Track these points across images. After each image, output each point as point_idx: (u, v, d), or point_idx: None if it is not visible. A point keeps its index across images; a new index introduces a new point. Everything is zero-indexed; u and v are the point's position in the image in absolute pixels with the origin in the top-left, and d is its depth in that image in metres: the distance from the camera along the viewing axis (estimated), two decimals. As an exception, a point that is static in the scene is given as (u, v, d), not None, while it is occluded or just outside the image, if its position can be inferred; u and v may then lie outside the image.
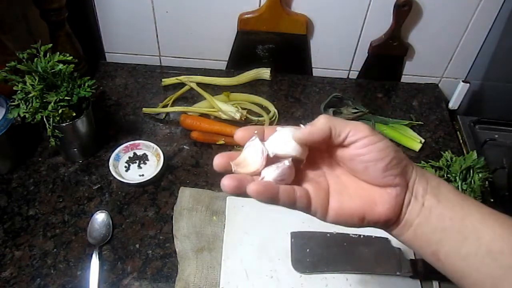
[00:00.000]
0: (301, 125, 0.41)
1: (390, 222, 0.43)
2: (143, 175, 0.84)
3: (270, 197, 0.39)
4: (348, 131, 0.41)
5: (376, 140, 0.40)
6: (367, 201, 0.42)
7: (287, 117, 0.99)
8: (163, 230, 0.77)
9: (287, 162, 0.40)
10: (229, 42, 1.06)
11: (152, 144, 0.87)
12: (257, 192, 0.38)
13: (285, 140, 0.41)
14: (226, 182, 0.39)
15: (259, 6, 0.99)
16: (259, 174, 0.41)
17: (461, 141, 0.99)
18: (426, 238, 0.42)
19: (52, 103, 0.73)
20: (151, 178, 0.82)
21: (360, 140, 0.40)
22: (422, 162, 0.89)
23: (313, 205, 0.41)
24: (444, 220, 0.41)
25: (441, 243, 0.41)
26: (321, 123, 0.41)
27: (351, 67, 1.11)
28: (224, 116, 0.95)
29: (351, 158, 0.42)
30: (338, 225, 0.43)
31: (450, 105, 1.07)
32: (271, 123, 0.96)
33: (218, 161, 0.42)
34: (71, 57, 0.75)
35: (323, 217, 0.42)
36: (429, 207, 0.42)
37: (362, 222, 0.43)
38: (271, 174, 0.40)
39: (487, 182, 0.84)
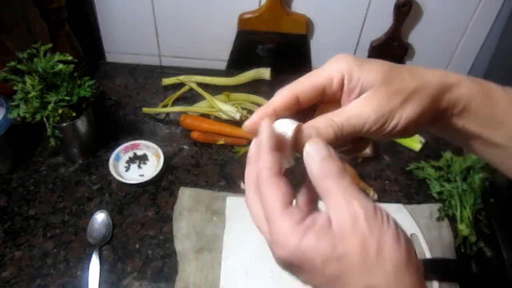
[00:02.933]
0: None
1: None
2: (143, 175, 0.84)
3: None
4: (362, 131, 0.37)
5: (389, 130, 0.37)
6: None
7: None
8: (163, 230, 0.77)
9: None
10: (229, 42, 1.06)
11: (152, 144, 0.87)
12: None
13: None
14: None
15: (259, 6, 0.99)
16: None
17: (461, 141, 0.99)
18: (477, 129, 0.40)
19: (52, 103, 0.73)
20: (151, 178, 0.82)
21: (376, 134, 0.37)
22: (423, 162, 0.89)
23: None
24: (498, 113, 0.40)
25: (496, 131, 0.40)
26: (326, 135, 0.36)
27: (351, 67, 1.11)
28: (224, 116, 0.95)
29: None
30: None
31: (450, 105, 1.07)
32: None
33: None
34: (71, 57, 0.76)
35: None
36: (475, 107, 0.40)
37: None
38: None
39: (487, 182, 0.85)
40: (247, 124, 0.39)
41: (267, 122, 0.36)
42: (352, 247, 0.30)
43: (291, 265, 0.34)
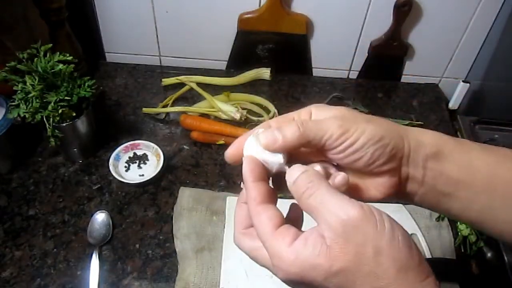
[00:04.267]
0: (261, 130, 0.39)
1: (390, 198, 0.40)
2: (143, 175, 0.84)
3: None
4: (323, 139, 0.37)
5: (350, 142, 0.37)
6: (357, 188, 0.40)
7: (287, 117, 0.99)
8: (163, 230, 0.77)
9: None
10: (229, 42, 1.06)
11: (152, 144, 0.87)
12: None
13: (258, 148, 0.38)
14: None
15: (259, 6, 0.99)
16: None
17: (461, 141, 0.99)
18: (434, 201, 0.40)
19: (52, 103, 0.73)
20: (151, 178, 0.82)
21: (336, 147, 0.37)
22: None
23: None
24: (450, 184, 0.39)
25: (450, 203, 0.39)
26: (291, 134, 0.37)
27: (351, 67, 1.11)
28: (224, 116, 0.95)
29: (330, 159, 0.39)
30: None
31: (450, 105, 1.07)
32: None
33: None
34: (71, 57, 0.75)
35: None
36: (432, 176, 0.39)
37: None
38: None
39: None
40: (228, 156, 0.40)
41: (246, 159, 0.38)
42: (348, 260, 0.31)
43: (296, 284, 0.34)
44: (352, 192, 0.39)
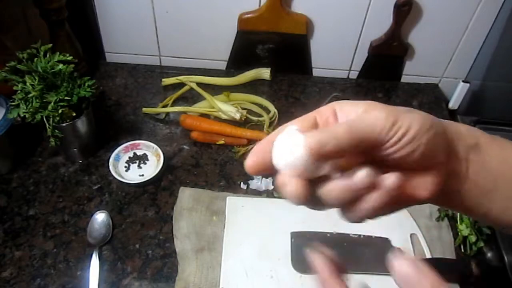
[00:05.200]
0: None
1: (436, 200, 0.37)
2: (143, 175, 0.84)
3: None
4: (376, 134, 0.32)
5: (403, 131, 0.32)
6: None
7: (287, 117, 0.99)
8: (163, 230, 0.77)
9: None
10: (229, 42, 1.06)
11: (152, 144, 0.87)
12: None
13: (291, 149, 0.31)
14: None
15: (259, 6, 0.99)
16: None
17: (461, 141, 0.98)
18: (475, 202, 0.38)
19: (52, 103, 0.73)
20: (151, 178, 0.82)
21: (389, 140, 0.32)
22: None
23: None
24: (490, 180, 0.37)
25: (490, 204, 0.37)
26: (342, 133, 0.30)
27: (351, 67, 1.11)
28: (224, 116, 0.95)
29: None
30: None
31: (450, 105, 1.07)
32: (271, 123, 0.96)
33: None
34: (71, 57, 0.75)
35: None
36: (474, 171, 0.37)
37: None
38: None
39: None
40: (250, 166, 0.34)
41: (316, 257, 0.35)
42: None
43: None
44: (403, 193, 0.35)
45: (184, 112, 0.96)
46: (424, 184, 0.35)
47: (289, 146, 0.30)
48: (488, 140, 0.38)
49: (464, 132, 0.37)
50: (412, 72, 1.11)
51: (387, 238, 0.75)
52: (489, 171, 0.37)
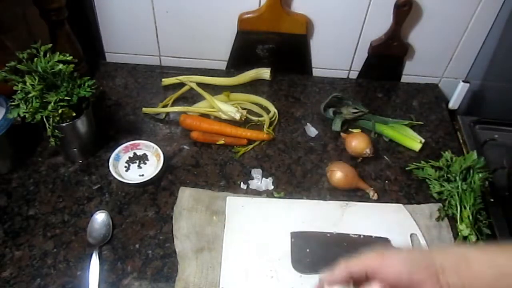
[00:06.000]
0: None
1: None
2: (143, 175, 0.84)
3: None
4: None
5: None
6: None
7: (287, 117, 0.99)
8: (163, 230, 0.77)
9: None
10: (229, 42, 1.06)
11: (152, 144, 0.87)
12: None
13: None
14: None
15: (259, 6, 0.99)
16: None
17: (461, 141, 0.99)
18: None
19: (52, 103, 0.73)
20: (151, 178, 0.82)
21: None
22: (422, 162, 0.89)
23: None
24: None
25: None
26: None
27: (351, 67, 1.11)
28: (224, 116, 0.95)
29: None
30: None
31: (450, 105, 1.07)
32: (271, 123, 0.96)
33: None
34: (71, 57, 0.75)
35: None
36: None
37: None
38: None
39: (487, 182, 0.84)
40: None
41: None
42: None
43: None
44: None
45: (184, 112, 0.96)
46: None
47: None
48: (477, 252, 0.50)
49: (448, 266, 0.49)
50: (412, 72, 1.12)
51: (387, 238, 0.75)
52: (481, 279, 0.48)
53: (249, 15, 1.00)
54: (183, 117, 0.94)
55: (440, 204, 0.82)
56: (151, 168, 0.85)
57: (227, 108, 0.94)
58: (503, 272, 0.47)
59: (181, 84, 1.03)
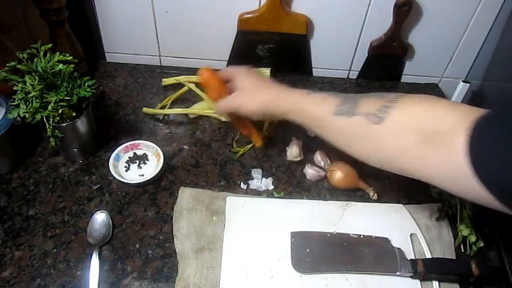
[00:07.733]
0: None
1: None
2: (143, 175, 0.84)
3: None
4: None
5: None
6: None
7: (287, 117, 0.99)
8: (163, 230, 0.77)
9: None
10: (229, 42, 1.06)
11: (152, 144, 0.87)
12: None
13: None
14: None
15: (259, 6, 0.99)
16: None
17: (461, 141, 0.98)
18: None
19: (52, 103, 0.73)
20: (151, 178, 0.82)
21: None
22: (422, 162, 0.89)
23: None
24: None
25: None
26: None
27: (351, 67, 1.11)
28: (223, 119, 0.95)
29: None
30: None
31: (450, 105, 1.07)
32: (271, 123, 0.96)
33: None
34: (71, 57, 0.75)
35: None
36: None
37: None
38: None
39: (487, 182, 0.84)
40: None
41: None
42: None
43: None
44: None
45: (184, 114, 0.96)
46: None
47: None
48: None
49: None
50: (412, 72, 1.12)
51: (387, 238, 0.75)
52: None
53: (249, 15, 1.00)
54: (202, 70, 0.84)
55: (440, 204, 0.82)
56: (151, 168, 0.85)
57: (227, 108, 0.94)
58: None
59: (181, 84, 1.03)
